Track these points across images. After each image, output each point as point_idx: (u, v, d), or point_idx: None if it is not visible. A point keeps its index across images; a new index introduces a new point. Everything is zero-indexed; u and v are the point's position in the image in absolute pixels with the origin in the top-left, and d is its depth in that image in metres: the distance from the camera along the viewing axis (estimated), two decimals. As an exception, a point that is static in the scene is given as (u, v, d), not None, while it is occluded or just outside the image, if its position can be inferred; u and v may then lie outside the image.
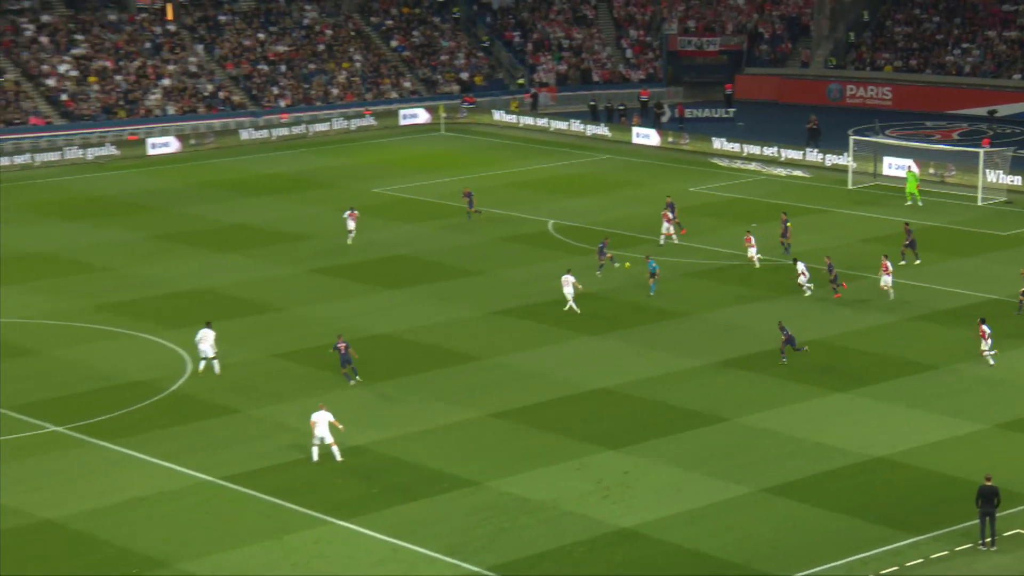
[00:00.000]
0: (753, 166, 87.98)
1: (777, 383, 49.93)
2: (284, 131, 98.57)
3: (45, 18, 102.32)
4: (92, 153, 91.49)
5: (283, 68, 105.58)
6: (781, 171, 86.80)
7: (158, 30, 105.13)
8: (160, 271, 64.87)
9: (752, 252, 63.51)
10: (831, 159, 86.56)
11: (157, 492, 41.92)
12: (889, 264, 58.88)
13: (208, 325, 51.50)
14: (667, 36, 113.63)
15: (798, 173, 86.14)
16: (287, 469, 43.43)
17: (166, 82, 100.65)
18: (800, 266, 59.20)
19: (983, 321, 51.37)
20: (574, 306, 57.27)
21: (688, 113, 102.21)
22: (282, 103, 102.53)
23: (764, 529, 39.17)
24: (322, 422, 43.56)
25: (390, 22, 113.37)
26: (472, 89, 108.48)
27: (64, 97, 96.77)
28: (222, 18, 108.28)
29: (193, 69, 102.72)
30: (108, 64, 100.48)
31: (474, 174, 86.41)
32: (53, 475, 43.07)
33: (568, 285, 57.45)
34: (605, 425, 46.74)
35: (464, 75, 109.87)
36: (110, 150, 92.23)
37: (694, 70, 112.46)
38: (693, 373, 51.33)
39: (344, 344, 50.31)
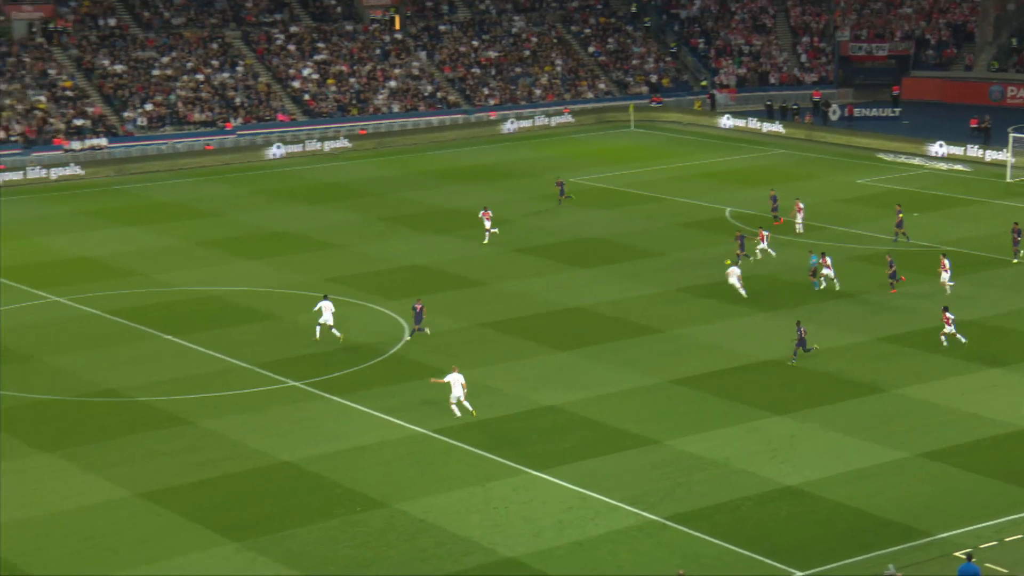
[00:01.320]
0: (916, 160, 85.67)
1: (934, 358, 48.67)
2: (493, 127, 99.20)
3: (293, 29, 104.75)
4: (328, 145, 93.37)
5: (493, 71, 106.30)
6: (943, 166, 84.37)
7: (387, 38, 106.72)
8: (382, 249, 65.96)
9: (799, 219, 64.95)
10: (991, 155, 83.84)
11: (378, 441, 42.69)
12: (947, 262, 56.44)
13: (326, 297, 51.93)
14: (839, 42, 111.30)
15: (959, 168, 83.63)
16: (489, 425, 43.83)
17: (392, 83, 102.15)
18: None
19: (946, 309, 49.98)
20: (741, 291, 56.33)
21: (857, 112, 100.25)
22: (491, 102, 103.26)
23: (919, 490, 38.27)
24: (456, 383, 43.81)
25: (588, 30, 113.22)
26: (660, 90, 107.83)
27: (306, 97, 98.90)
28: (442, 28, 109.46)
29: (416, 72, 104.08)
30: (344, 68, 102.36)
31: (659, 166, 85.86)
32: (291, 423, 44.16)
33: (733, 277, 56.48)
34: (774, 393, 46.12)
35: (653, 78, 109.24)
36: (343, 143, 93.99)
37: (864, 73, 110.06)
38: (856, 347, 50.31)
39: (420, 305, 51.45)
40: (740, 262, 59.45)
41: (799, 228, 66.69)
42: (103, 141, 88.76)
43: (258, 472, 40.42)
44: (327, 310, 51.32)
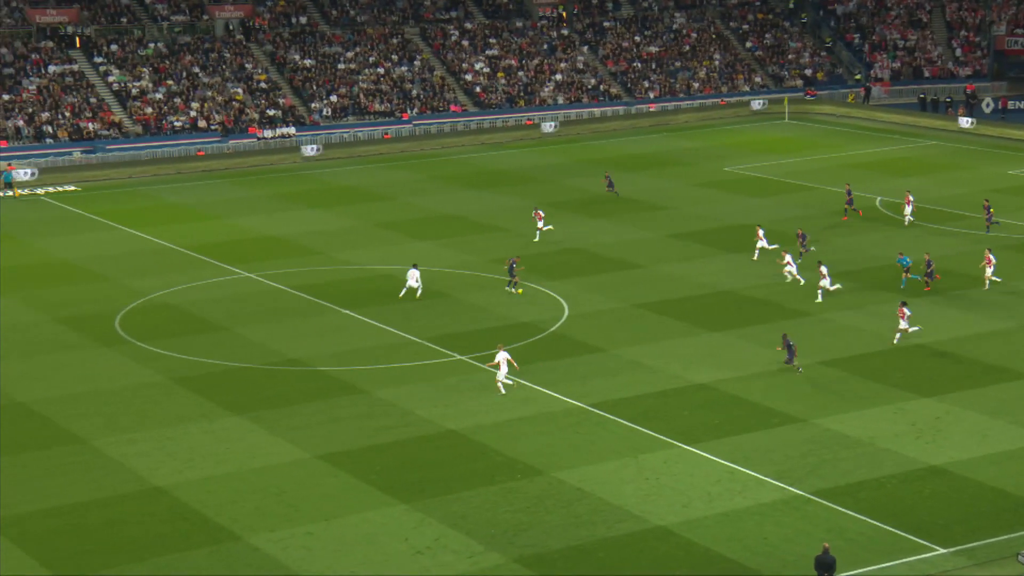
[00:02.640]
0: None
1: (1081, 346, 46.83)
2: (652, 119, 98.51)
3: (467, 25, 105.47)
4: (497, 135, 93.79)
5: (654, 65, 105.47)
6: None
7: (554, 34, 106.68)
8: (546, 233, 66.00)
9: (908, 211, 62.92)
10: None
11: (537, 413, 42.80)
12: (992, 257, 54.00)
13: (415, 266, 54.53)
14: (995, 36, 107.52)
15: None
16: (642, 400, 43.60)
17: (558, 77, 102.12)
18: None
19: (904, 304, 48.10)
20: (799, 278, 54.92)
21: (1011, 105, 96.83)
22: (651, 95, 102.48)
23: (1062, 474, 36.90)
24: (503, 362, 43.65)
25: (746, 26, 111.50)
26: (814, 84, 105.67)
27: (478, 89, 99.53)
28: (606, 24, 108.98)
29: (580, 66, 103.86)
30: (513, 62, 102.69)
31: (812, 156, 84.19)
32: (457, 395, 44.57)
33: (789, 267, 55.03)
34: (921, 375, 44.93)
35: (808, 71, 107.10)
36: (511, 133, 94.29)
37: (1018, 67, 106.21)
38: (1001, 334, 48.67)
39: (514, 261, 54.24)
40: (800, 259, 57.80)
41: (907, 220, 64.72)
42: (292, 130, 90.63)
43: (426, 439, 40.90)
44: (412, 277, 53.93)
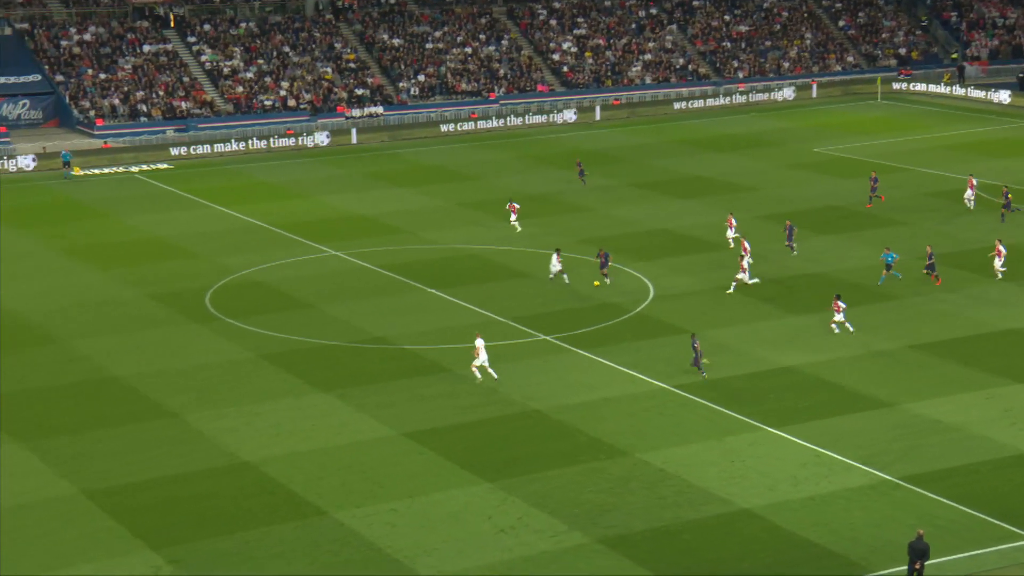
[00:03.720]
0: None
1: None
2: (741, 98, 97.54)
3: (555, 4, 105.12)
4: (582, 115, 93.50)
5: (743, 45, 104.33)
6: None
7: (642, 13, 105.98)
8: (633, 212, 65.74)
9: (969, 195, 60.93)
10: None
11: (622, 394, 42.69)
12: (1003, 248, 52.43)
13: (557, 251, 53.72)
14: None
15: None
16: (728, 382, 43.28)
17: (647, 56, 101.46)
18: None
19: (838, 297, 46.92)
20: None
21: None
22: (740, 75, 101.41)
23: None
24: (481, 348, 43.19)
25: (839, 4, 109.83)
26: (909, 63, 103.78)
27: (565, 69, 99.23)
28: (695, 3, 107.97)
29: (668, 46, 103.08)
30: (600, 42, 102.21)
31: (905, 137, 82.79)
32: (541, 375, 44.59)
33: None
34: (1015, 361, 44.05)
35: (902, 51, 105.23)
36: (597, 113, 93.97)
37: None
38: (1101, 320, 47.59)
39: (605, 254, 53.32)
40: (795, 252, 56.76)
41: (970, 204, 63.23)
42: (379, 109, 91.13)
43: (510, 418, 40.98)
44: (555, 261, 53.24)
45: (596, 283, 49.56)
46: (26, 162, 78.34)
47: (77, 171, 75.10)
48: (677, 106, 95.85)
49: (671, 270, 55.81)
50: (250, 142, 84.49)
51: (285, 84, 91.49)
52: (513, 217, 61.85)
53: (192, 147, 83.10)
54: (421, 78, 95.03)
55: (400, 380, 44.10)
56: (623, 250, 58.50)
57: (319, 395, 42.92)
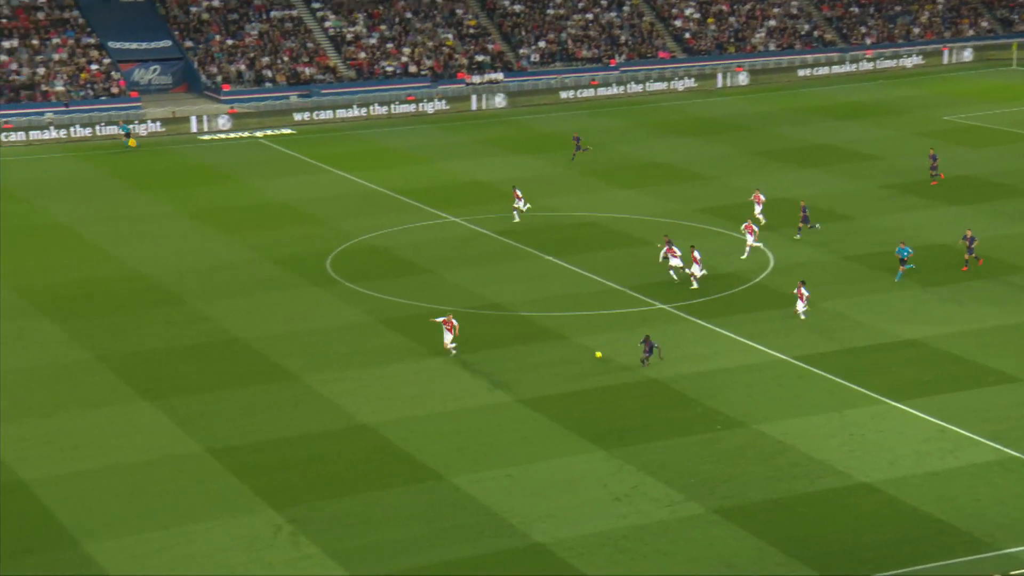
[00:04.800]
0: None
1: None
2: (868, 65, 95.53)
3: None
4: (702, 83, 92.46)
5: (872, 10, 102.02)
6: None
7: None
8: (751, 182, 64.85)
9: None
10: None
11: (739, 364, 42.30)
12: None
13: (669, 242, 50.93)
14: None
15: None
16: (849, 355, 42.62)
17: (771, 23, 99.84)
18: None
19: (803, 283, 45.03)
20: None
21: None
22: (868, 41, 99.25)
23: None
24: (446, 328, 42.89)
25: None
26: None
27: (687, 35, 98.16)
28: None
29: (794, 11, 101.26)
30: (724, 7, 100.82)
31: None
32: (659, 343, 44.30)
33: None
34: None
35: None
36: (718, 80, 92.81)
37: None
38: None
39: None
40: (799, 235, 55.04)
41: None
42: (499, 75, 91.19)
43: (626, 387, 40.87)
44: (673, 255, 50.85)
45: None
46: (155, 127, 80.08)
47: (132, 143, 75.13)
48: (801, 73, 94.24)
49: (792, 240, 55.03)
50: (371, 108, 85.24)
51: (407, 50, 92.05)
52: (519, 202, 58.27)
53: (315, 112, 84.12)
54: (542, 44, 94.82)
55: (516, 346, 44.24)
56: (742, 219, 57.79)
57: (436, 360, 43.26)
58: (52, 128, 77.07)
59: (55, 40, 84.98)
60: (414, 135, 79.32)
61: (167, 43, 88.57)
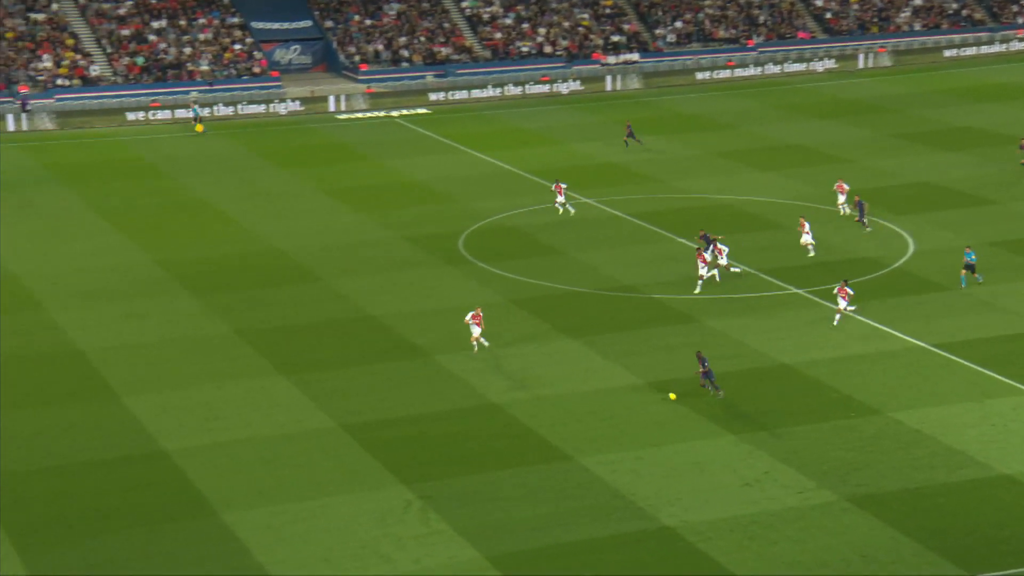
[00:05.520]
0: None
1: None
2: (1020, 45, 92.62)
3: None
4: (843, 63, 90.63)
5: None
6: None
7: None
8: (893, 165, 63.56)
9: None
10: None
11: (876, 351, 41.57)
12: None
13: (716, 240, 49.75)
14: None
15: None
16: (992, 343, 41.57)
17: (917, 1, 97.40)
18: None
19: (845, 282, 42.59)
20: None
21: None
22: (1020, 20, 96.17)
23: None
24: (474, 323, 41.74)
25: None
26: None
27: (828, 15, 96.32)
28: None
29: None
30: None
31: None
32: (790, 328, 43.84)
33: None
34: None
35: None
36: (860, 61, 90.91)
37: None
38: None
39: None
40: (869, 229, 52.71)
41: None
42: (635, 56, 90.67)
43: (758, 372, 40.45)
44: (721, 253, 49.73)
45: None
46: (295, 106, 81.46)
47: (199, 128, 75.10)
48: (948, 54, 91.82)
49: (933, 224, 53.82)
50: (506, 88, 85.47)
51: (542, 30, 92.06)
52: (560, 198, 56.55)
53: (450, 92, 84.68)
54: (678, 24, 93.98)
55: (647, 329, 44.08)
56: (882, 203, 56.66)
57: (566, 341, 43.33)
58: (197, 107, 78.89)
59: (201, 20, 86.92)
60: (548, 116, 79.35)
61: (308, 23, 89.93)
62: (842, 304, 43.11)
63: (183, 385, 40.08)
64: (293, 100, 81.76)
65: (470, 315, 41.83)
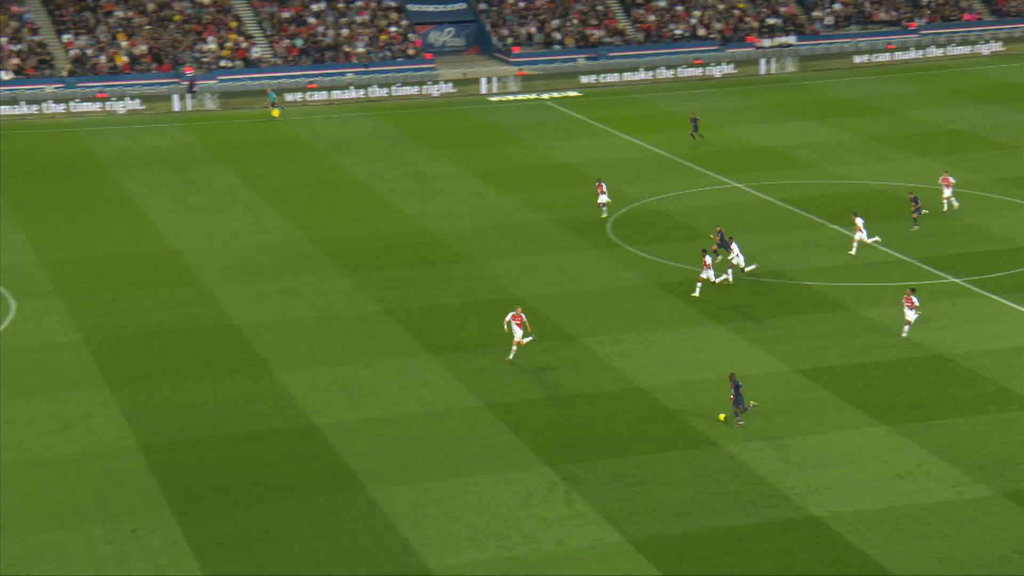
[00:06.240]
0: None
1: None
2: None
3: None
4: (1011, 46, 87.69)
5: None
6: None
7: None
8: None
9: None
10: None
11: (1037, 343, 40.24)
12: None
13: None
14: None
15: None
16: None
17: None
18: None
19: (913, 291, 39.41)
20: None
21: None
22: None
23: None
24: (515, 324, 39.97)
25: None
26: None
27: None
28: None
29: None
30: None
31: None
32: (948, 318, 42.72)
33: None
34: None
35: None
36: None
37: None
38: None
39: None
40: (918, 226, 49.92)
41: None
42: (791, 39, 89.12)
43: (912, 362, 39.48)
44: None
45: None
46: (447, 87, 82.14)
47: (276, 114, 74.72)
48: None
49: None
50: (657, 71, 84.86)
51: (696, 13, 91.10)
52: (603, 196, 54.29)
53: (601, 75, 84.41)
54: (837, 7, 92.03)
55: (797, 316, 43.37)
56: (1047, 191, 54.83)
57: (714, 326, 42.88)
58: (352, 88, 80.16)
59: (359, 3, 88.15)
60: (699, 99, 78.52)
61: (462, 5, 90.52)
62: (909, 315, 40.61)
63: (334, 362, 40.79)
64: (446, 82, 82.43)
65: (510, 315, 40.20)
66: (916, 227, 51.19)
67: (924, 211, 51.52)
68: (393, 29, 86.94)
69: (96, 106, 75.95)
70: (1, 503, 32.05)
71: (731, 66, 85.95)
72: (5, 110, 74.83)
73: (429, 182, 61.68)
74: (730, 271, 45.82)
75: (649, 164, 63.75)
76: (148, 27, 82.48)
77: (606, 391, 38.43)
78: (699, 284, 44.93)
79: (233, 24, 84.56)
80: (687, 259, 49.10)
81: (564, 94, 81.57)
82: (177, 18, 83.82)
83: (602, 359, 40.58)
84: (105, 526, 30.97)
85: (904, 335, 40.81)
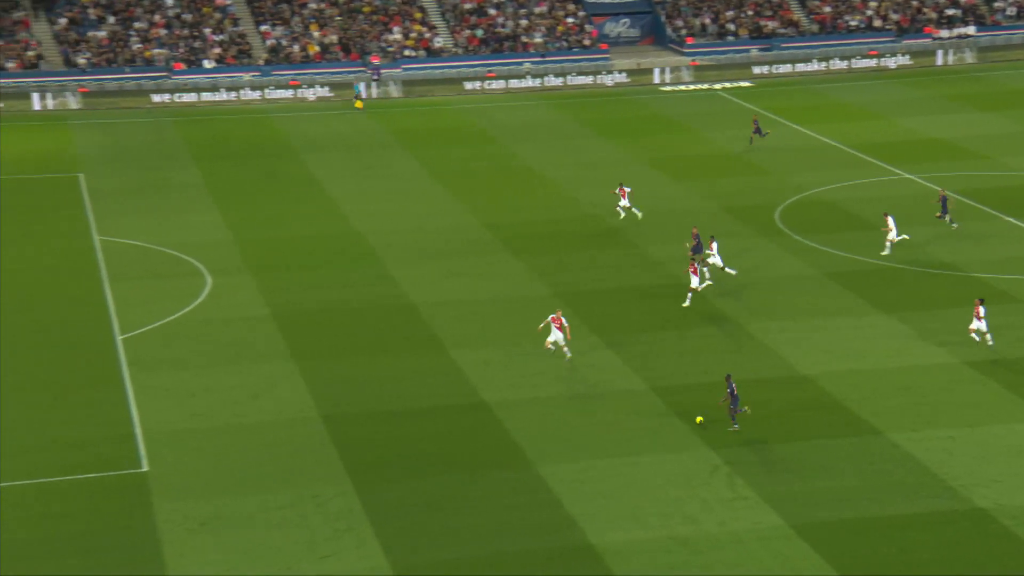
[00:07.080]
0: None
1: None
2: None
3: None
4: None
5: None
6: None
7: None
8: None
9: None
10: None
11: None
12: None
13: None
14: None
15: None
16: None
17: None
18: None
19: (981, 301, 35.95)
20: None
21: None
22: None
23: None
24: (555, 328, 38.24)
25: None
26: None
27: None
28: None
29: None
30: None
31: None
32: (1124, 314, 40.94)
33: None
34: None
35: None
36: None
37: None
38: None
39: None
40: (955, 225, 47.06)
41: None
42: (971, 29, 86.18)
43: (1085, 357, 37.98)
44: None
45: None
46: (621, 77, 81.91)
47: (359, 105, 74.12)
48: None
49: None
50: (831, 62, 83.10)
51: (873, 4, 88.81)
52: (624, 201, 51.86)
53: (774, 66, 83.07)
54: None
55: (966, 308, 42.02)
56: None
57: (880, 316, 41.96)
58: (529, 77, 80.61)
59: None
60: (873, 90, 76.67)
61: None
62: (976, 323, 38.39)
63: (504, 342, 41.22)
64: (620, 72, 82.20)
65: (550, 317, 39.08)
66: (954, 225, 49.18)
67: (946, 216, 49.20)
68: (570, 20, 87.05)
69: (288, 93, 78.01)
70: (197, 467, 33.36)
71: (907, 57, 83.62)
72: (206, 97, 77.51)
73: (601, 169, 61.67)
74: (706, 269, 43.97)
75: (819, 154, 62.58)
76: (339, 18, 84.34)
77: (769, 377, 37.97)
78: (689, 295, 43.12)
79: (418, 15, 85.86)
80: (856, 249, 48.11)
81: (736, 84, 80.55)
82: (366, 9, 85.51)
83: (766, 346, 40.11)
84: (288, 491, 31.99)
85: (989, 344, 38.53)
